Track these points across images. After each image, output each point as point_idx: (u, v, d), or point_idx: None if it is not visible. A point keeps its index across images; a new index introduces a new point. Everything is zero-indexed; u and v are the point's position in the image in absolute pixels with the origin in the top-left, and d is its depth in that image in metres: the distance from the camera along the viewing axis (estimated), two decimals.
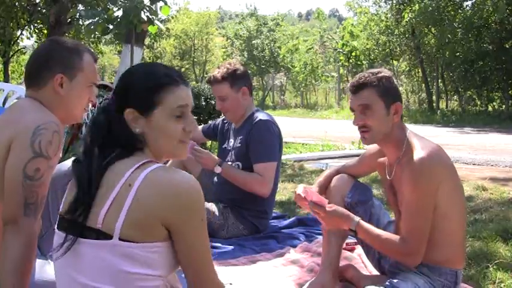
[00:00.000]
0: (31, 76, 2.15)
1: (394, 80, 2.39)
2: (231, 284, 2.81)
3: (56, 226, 1.62)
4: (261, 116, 3.63)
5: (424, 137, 2.34)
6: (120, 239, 1.46)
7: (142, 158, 1.58)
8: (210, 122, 4.30)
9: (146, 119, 1.61)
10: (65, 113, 2.14)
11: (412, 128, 2.45)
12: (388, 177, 2.44)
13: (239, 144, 3.66)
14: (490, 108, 21.00)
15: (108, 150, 1.59)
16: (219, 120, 4.11)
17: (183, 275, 2.25)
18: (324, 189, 2.72)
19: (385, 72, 2.39)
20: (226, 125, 3.94)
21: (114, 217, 1.47)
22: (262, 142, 3.55)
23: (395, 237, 2.25)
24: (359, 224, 2.30)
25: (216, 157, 3.66)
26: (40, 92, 2.12)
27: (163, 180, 1.51)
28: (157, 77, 1.64)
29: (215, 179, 3.78)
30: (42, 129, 1.92)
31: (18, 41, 22.51)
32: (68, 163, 2.44)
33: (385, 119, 2.32)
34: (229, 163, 3.67)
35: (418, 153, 2.21)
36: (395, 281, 2.27)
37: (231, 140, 3.78)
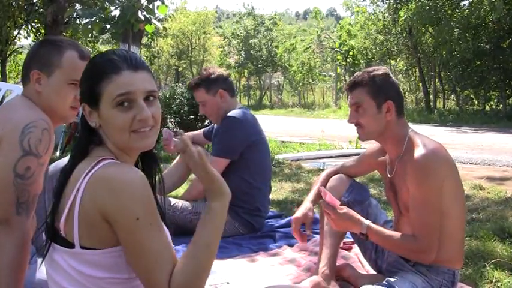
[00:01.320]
0: (22, 74, 2.18)
1: (391, 78, 2.39)
2: (228, 283, 2.81)
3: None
4: (231, 113, 3.68)
5: (426, 136, 2.34)
6: (81, 247, 1.44)
7: (99, 156, 1.52)
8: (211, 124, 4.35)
9: (97, 112, 1.54)
10: (48, 110, 2.09)
11: None
12: (388, 175, 2.45)
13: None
14: (487, 108, 21.03)
15: (77, 150, 1.57)
16: None
17: None
18: (324, 185, 2.72)
19: (380, 70, 2.40)
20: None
21: (71, 225, 1.45)
22: (220, 138, 3.66)
23: (407, 236, 2.25)
24: (369, 227, 2.30)
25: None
26: (25, 89, 2.13)
27: (101, 176, 1.44)
28: (96, 67, 1.55)
29: None
30: (31, 127, 1.91)
31: (15, 40, 22.49)
32: (65, 161, 2.43)
33: (377, 117, 2.34)
34: None
35: (422, 150, 2.21)
36: (392, 280, 2.27)
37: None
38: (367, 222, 2.31)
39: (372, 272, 2.75)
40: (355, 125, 2.41)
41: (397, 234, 2.28)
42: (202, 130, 4.30)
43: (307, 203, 2.72)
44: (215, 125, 4.08)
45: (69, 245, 1.46)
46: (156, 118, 1.56)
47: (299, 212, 2.68)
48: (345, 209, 2.33)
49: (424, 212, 2.20)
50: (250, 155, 3.66)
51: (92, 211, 1.43)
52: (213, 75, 3.74)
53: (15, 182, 1.85)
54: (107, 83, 1.50)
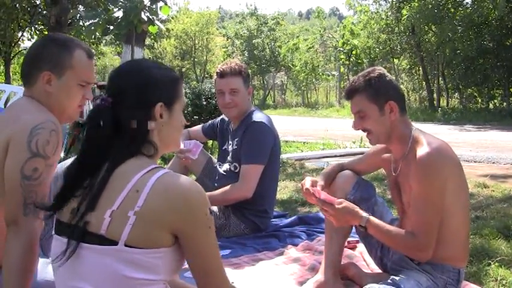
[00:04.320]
0: (24, 74, 2.13)
1: (387, 77, 2.37)
2: (232, 282, 2.81)
3: (53, 231, 1.59)
4: (256, 117, 3.62)
5: (430, 134, 2.34)
6: (125, 245, 1.44)
7: (149, 162, 1.55)
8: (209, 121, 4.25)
9: (170, 113, 1.64)
10: (57, 111, 2.08)
11: None
12: (393, 173, 2.45)
13: (236, 147, 3.67)
14: (490, 106, 21.00)
15: (112, 151, 1.54)
16: (217, 120, 4.08)
17: (185, 274, 2.25)
18: (330, 182, 2.70)
19: (375, 71, 2.38)
20: (225, 125, 3.93)
21: (120, 223, 1.44)
22: (253, 144, 3.55)
23: (405, 233, 2.25)
24: (369, 220, 2.29)
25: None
26: (32, 90, 2.09)
27: (171, 186, 1.48)
28: (172, 73, 1.70)
29: (216, 179, 3.79)
30: (39, 129, 1.90)
31: (19, 42, 22.56)
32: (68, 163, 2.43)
33: (382, 119, 2.33)
34: (229, 163, 3.70)
35: (426, 148, 2.21)
36: (397, 278, 2.27)
37: (230, 142, 3.78)
38: (367, 215, 2.31)
39: (377, 270, 2.75)
40: (363, 131, 2.40)
41: (395, 230, 2.29)
42: (200, 126, 4.21)
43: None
44: (216, 123, 4.03)
45: (109, 242, 1.44)
46: None
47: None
48: (344, 203, 2.32)
49: (423, 209, 2.20)
50: (268, 158, 3.63)
51: (161, 219, 1.46)
52: (248, 70, 3.75)
53: (22, 183, 1.86)
54: (181, 86, 1.70)
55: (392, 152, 2.47)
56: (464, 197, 2.30)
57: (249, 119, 3.61)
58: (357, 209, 2.33)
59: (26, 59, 2.15)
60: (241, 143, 3.60)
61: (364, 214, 2.30)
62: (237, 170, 3.62)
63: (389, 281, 2.28)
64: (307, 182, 2.51)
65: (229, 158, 3.72)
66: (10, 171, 1.88)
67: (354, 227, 2.74)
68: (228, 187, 3.52)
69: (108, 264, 1.44)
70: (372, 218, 2.31)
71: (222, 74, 3.64)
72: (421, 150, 2.21)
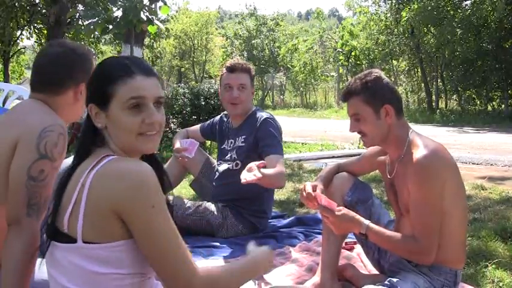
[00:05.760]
0: (49, 81, 2.16)
1: (383, 80, 2.36)
2: None
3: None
4: (265, 115, 3.64)
5: (427, 137, 2.34)
6: (84, 242, 1.46)
7: (101, 154, 1.55)
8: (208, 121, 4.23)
9: (105, 113, 1.58)
10: (72, 116, 2.21)
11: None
12: (388, 176, 2.45)
13: (242, 143, 3.65)
14: (489, 108, 21.02)
15: (80, 150, 1.62)
16: (216, 119, 4.05)
17: None
18: (328, 184, 2.69)
19: (372, 74, 2.38)
20: (224, 123, 3.92)
21: (75, 220, 1.47)
22: (273, 137, 3.52)
23: (407, 238, 2.24)
24: (369, 228, 2.28)
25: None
26: (57, 98, 2.15)
27: (109, 170, 1.48)
28: (109, 69, 1.60)
29: (215, 178, 3.78)
30: (48, 131, 1.94)
31: (18, 41, 22.54)
32: (68, 161, 2.44)
33: (377, 122, 2.33)
34: (228, 162, 3.69)
35: (423, 151, 2.20)
36: (394, 280, 2.27)
37: (231, 140, 3.76)
38: (367, 222, 2.30)
39: (375, 272, 2.75)
40: (358, 133, 2.41)
41: (397, 235, 2.28)
42: (198, 126, 4.19)
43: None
44: (215, 122, 4.02)
45: (72, 240, 1.48)
46: (161, 124, 1.63)
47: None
48: (343, 210, 2.32)
49: (424, 213, 2.19)
50: None
51: (102, 205, 1.45)
52: (253, 72, 3.79)
53: (28, 184, 1.88)
54: (120, 85, 1.56)
55: (388, 154, 2.47)
56: (461, 199, 2.31)
57: (257, 117, 3.62)
58: (357, 216, 2.32)
59: (53, 67, 2.17)
60: (256, 139, 3.56)
61: (364, 221, 2.30)
62: (238, 167, 3.56)
63: (386, 282, 2.28)
64: (308, 187, 2.50)
65: (230, 156, 3.70)
66: (16, 171, 1.89)
67: None
68: (276, 170, 3.24)
69: (74, 262, 1.48)
70: (372, 224, 2.30)
71: (232, 69, 3.65)
72: (418, 153, 2.21)
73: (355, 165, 2.78)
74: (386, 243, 2.31)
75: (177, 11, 37.97)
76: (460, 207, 2.29)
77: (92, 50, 2.44)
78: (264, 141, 3.50)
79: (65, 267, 1.50)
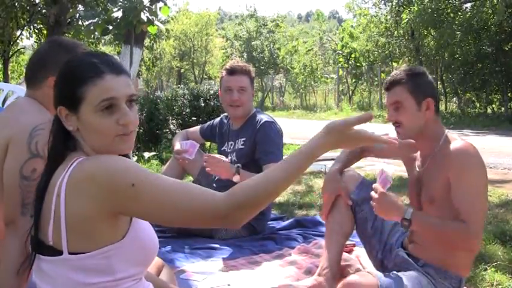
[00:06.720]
0: (28, 76, 2.15)
1: (428, 76, 2.40)
2: (229, 285, 2.81)
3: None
4: (265, 117, 3.64)
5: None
6: (70, 253, 1.42)
7: (72, 160, 1.49)
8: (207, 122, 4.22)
9: (76, 115, 1.51)
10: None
11: None
12: (417, 169, 2.44)
13: (242, 146, 3.65)
14: (489, 111, 21.00)
15: (52, 156, 1.56)
16: (216, 121, 4.06)
17: (181, 276, 2.25)
18: (348, 166, 2.76)
19: (417, 69, 2.44)
20: (224, 125, 3.92)
21: (58, 232, 1.43)
22: (272, 143, 3.53)
23: (456, 223, 2.17)
24: (415, 213, 2.23)
25: (230, 164, 3.46)
26: (37, 92, 2.12)
27: (79, 176, 1.43)
28: (77, 70, 1.51)
29: (214, 180, 3.78)
30: (39, 130, 1.92)
31: (18, 41, 22.52)
32: None
33: (417, 114, 2.33)
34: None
35: (462, 142, 2.23)
36: (399, 273, 2.26)
37: (231, 142, 3.76)
38: (411, 209, 2.25)
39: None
40: (393, 124, 2.39)
41: (444, 220, 2.21)
42: (198, 128, 4.19)
43: (335, 175, 2.73)
44: (215, 124, 4.02)
45: (58, 253, 1.44)
46: (136, 123, 1.56)
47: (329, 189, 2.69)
48: (389, 194, 2.28)
49: (474, 197, 2.16)
50: None
51: (82, 208, 1.40)
52: (253, 73, 3.78)
53: (21, 184, 1.88)
54: (90, 87, 1.48)
55: (420, 149, 2.46)
56: (484, 205, 2.28)
57: (258, 119, 3.62)
58: (401, 203, 2.29)
59: (32, 61, 2.17)
60: (254, 143, 3.57)
61: (408, 208, 2.25)
62: None
63: (391, 274, 2.26)
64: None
65: (229, 158, 3.69)
66: (9, 171, 1.89)
67: (354, 230, 2.74)
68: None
69: (63, 274, 1.45)
70: (417, 211, 2.28)
71: (231, 71, 3.65)
72: (457, 143, 2.23)
73: (379, 149, 2.76)
74: (433, 227, 2.24)
75: (177, 12, 37.98)
76: (482, 213, 2.23)
77: (88, 47, 2.36)
78: (262, 146, 3.51)
79: (54, 279, 1.47)
